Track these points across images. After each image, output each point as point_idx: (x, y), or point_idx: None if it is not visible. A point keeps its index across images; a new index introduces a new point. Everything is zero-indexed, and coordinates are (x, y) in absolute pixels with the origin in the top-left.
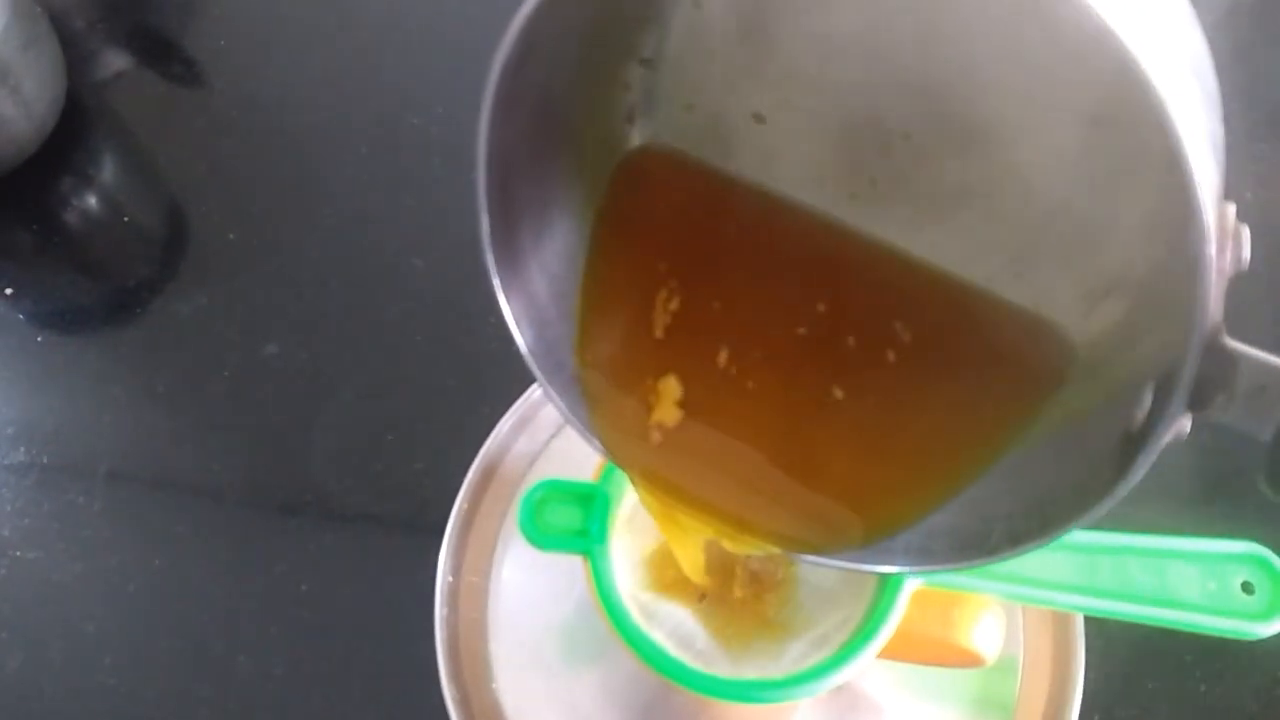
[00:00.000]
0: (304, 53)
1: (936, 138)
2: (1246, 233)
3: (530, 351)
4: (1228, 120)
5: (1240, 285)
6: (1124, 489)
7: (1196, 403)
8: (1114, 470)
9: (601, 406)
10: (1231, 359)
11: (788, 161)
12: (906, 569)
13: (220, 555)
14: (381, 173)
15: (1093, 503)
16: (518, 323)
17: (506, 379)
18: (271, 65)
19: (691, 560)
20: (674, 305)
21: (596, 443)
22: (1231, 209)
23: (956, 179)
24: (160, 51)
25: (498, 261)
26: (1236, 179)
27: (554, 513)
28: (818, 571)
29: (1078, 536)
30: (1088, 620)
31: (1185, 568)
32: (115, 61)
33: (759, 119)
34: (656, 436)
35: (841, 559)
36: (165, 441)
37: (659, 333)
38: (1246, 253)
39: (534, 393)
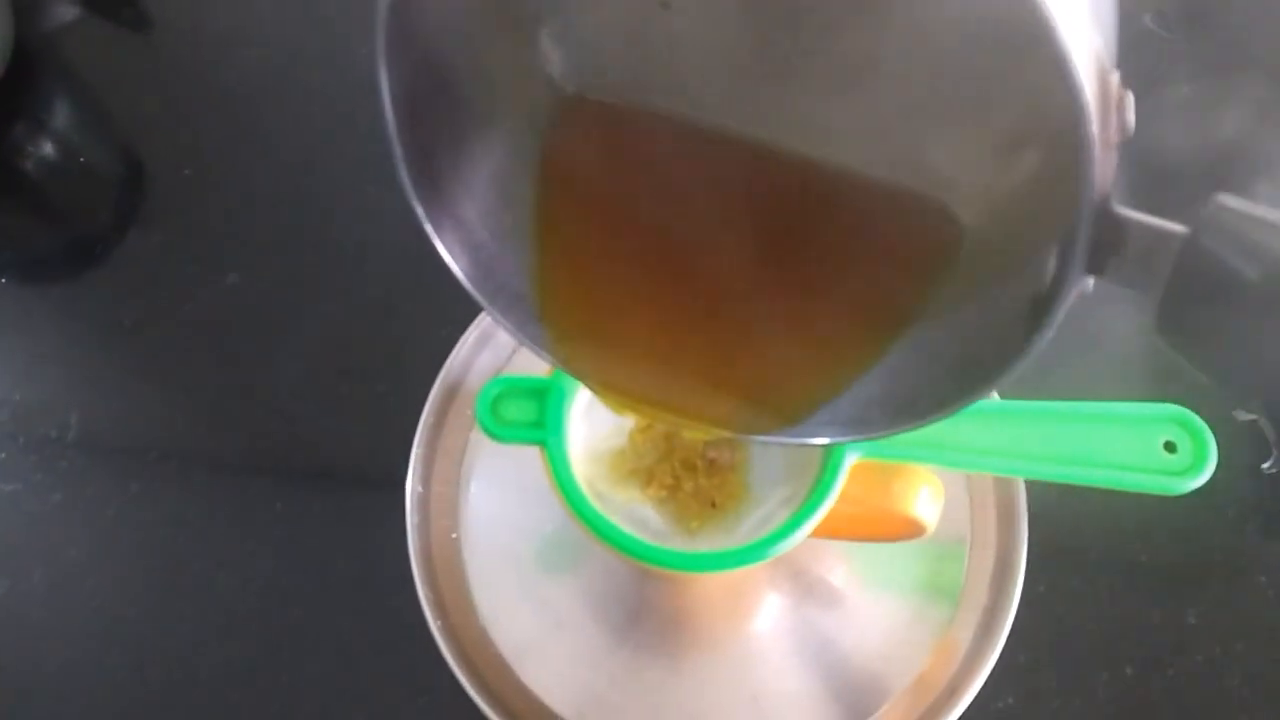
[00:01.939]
0: None
1: (838, 7)
2: (1130, 99)
3: (468, 277)
4: (1165, 16)
5: (1173, 187)
6: (1036, 347)
7: (1093, 266)
8: (1026, 331)
9: (560, 329)
10: (1121, 225)
11: (700, 48)
12: (848, 439)
13: (193, 477)
14: (332, 102)
15: (1008, 362)
16: (451, 251)
17: (466, 297)
18: (217, 3)
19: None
20: (615, 236)
21: (549, 356)
22: (1115, 76)
23: (865, 48)
24: None
25: (422, 195)
26: (1170, 73)
27: (510, 407)
28: (765, 457)
29: (1009, 405)
30: (1031, 499)
31: (1111, 430)
32: (63, 10)
33: (665, 5)
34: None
35: (787, 435)
36: (133, 373)
37: (605, 258)
38: (1131, 118)
39: None
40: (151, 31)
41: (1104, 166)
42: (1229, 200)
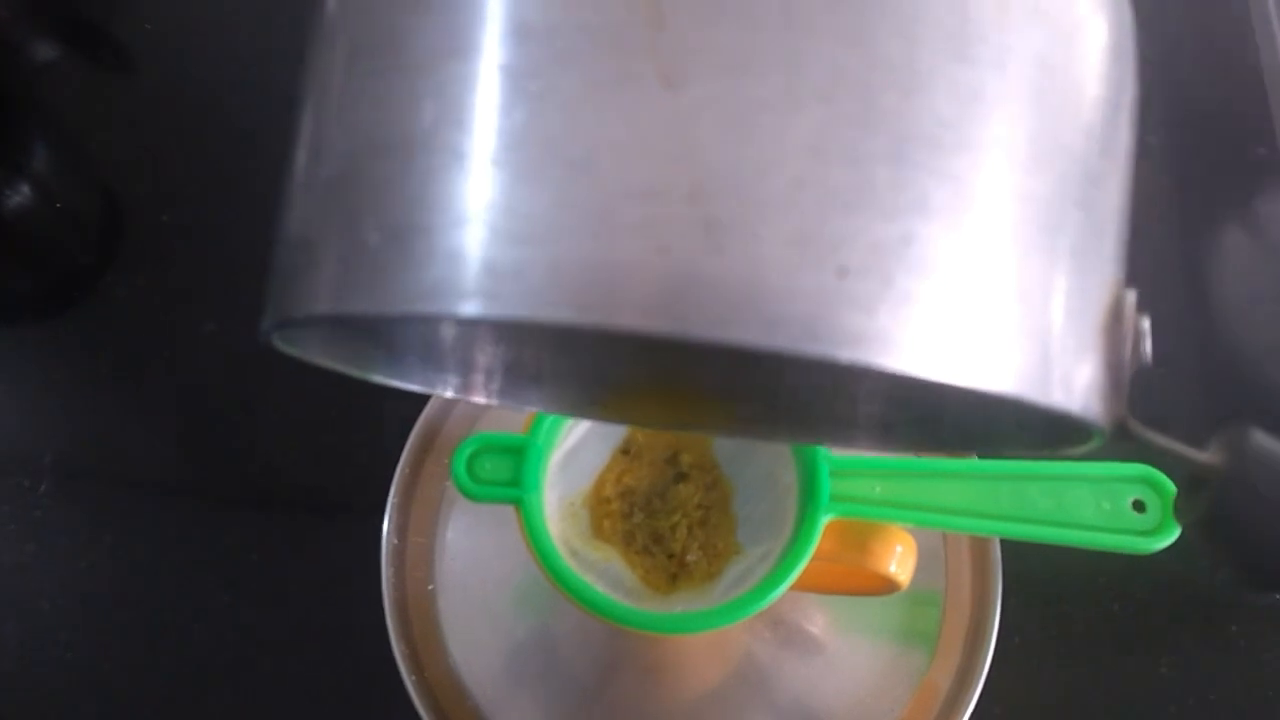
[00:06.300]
0: (231, 32)
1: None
2: (1146, 326)
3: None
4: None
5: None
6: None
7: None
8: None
9: None
10: (1141, 439)
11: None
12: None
13: (170, 529)
14: None
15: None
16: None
17: None
18: (199, 46)
19: None
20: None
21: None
22: (1131, 297)
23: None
24: (88, 39)
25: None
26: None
27: (485, 465)
28: (741, 515)
29: (978, 464)
30: (1005, 552)
31: (1081, 490)
32: (43, 51)
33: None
34: None
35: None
36: (109, 422)
37: None
38: (1148, 348)
39: None
40: (132, 74)
41: (1119, 396)
42: (1262, 441)
